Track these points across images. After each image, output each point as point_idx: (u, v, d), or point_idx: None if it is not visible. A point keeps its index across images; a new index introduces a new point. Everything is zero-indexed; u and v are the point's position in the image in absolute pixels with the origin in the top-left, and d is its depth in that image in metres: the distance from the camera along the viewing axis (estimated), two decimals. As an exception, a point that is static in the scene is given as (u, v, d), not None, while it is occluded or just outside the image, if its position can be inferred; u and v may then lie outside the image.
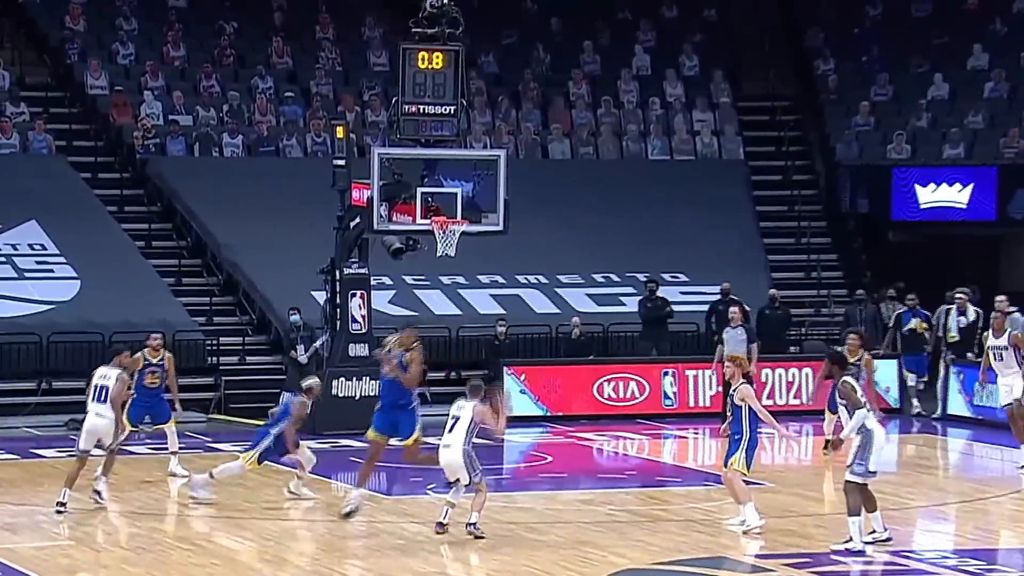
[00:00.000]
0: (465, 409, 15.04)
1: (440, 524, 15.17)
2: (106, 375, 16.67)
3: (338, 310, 22.81)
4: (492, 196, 21.84)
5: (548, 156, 30.65)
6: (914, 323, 24.69)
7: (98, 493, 16.81)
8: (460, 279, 27.35)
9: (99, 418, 16.50)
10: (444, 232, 21.39)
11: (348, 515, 15.83)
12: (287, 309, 24.86)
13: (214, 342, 25.58)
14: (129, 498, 17.43)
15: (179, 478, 18.17)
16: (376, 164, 21.56)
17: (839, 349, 17.86)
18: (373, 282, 23.45)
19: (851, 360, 18.19)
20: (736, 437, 15.19)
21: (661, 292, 26.19)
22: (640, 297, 26.23)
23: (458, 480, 15.06)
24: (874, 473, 14.23)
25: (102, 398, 16.54)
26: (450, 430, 15.04)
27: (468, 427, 14.95)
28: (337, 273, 22.78)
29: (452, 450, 14.97)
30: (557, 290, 27.63)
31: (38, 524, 15.96)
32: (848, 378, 14.34)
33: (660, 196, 29.64)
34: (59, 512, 16.14)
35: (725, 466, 15.35)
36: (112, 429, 16.60)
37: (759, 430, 15.27)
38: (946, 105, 31.51)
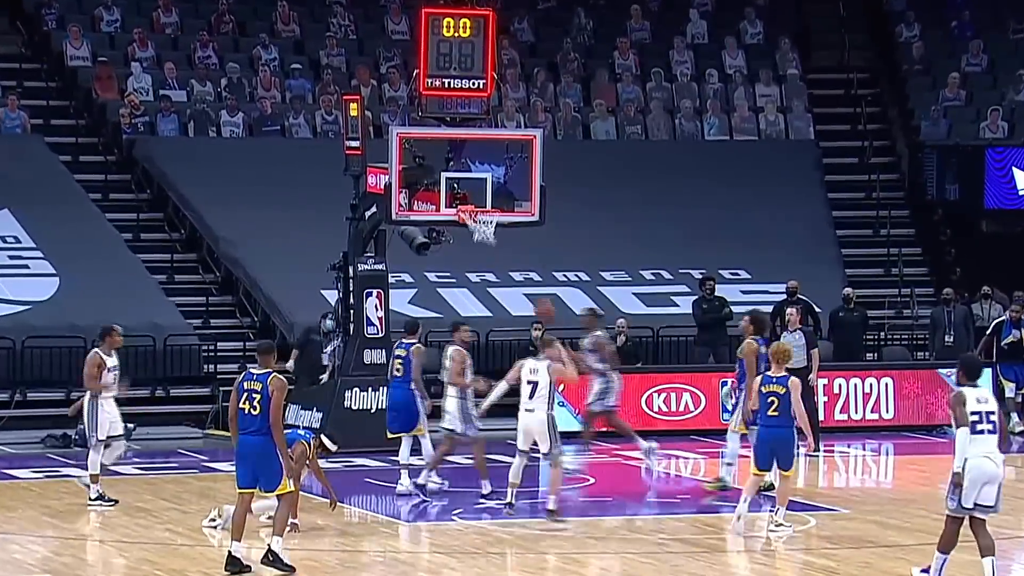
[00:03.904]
0: (541, 372, 17.08)
1: (510, 504, 17.20)
2: (444, 354, 18.57)
3: (352, 311, 22.92)
4: (526, 182, 21.91)
5: (590, 136, 30.79)
6: (1015, 335, 24.71)
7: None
8: (490, 276, 27.45)
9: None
10: (474, 222, 21.53)
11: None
12: (302, 311, 24.96)
13: (211, 347, 25.72)
14: (114, 524, 17.55)
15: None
16: (395, 146, 21.63)
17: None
18: (391, 279, 23.59)
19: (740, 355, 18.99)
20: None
21: (719, 291, 26.20)
22: (695, 297, 26.23)
23: (526, 452, 16.98)
24: (971, 508, 13.69)
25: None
26: (530, 396, 17.08)
27: (549, 390, 17.02)
28: (350, 270, 22.90)
29: (535, 415, 16.99)
30: (600, 289, 27.68)
31: (11, 555, 16.07)
32: (964, 389, 13.81)
33: (718, 182, 29.70)
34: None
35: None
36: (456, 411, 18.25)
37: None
38: (1049, 76, 31.58)
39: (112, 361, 18.15)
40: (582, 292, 27.34)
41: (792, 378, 16.64)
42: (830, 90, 32.52)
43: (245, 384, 14.65)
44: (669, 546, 16.34)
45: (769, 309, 25.65)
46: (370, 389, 22.53)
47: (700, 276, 26.62)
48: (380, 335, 22.84)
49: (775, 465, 16.74)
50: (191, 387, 25.13)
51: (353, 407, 22.48)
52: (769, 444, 16.57)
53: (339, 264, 23.12)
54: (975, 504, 13.72)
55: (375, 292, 22.82)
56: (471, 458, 20.95)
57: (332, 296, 23.95)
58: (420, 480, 19.11)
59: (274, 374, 14.59)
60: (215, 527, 16.60)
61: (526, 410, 17.16)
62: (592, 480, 19.37)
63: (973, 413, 13.67)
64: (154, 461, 18.64)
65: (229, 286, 27.45)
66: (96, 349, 18.19)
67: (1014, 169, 29.63)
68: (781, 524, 16.69)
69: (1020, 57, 31.98)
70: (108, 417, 18.15)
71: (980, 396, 13.80)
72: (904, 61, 32.48)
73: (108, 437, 18.15)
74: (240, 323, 27.02)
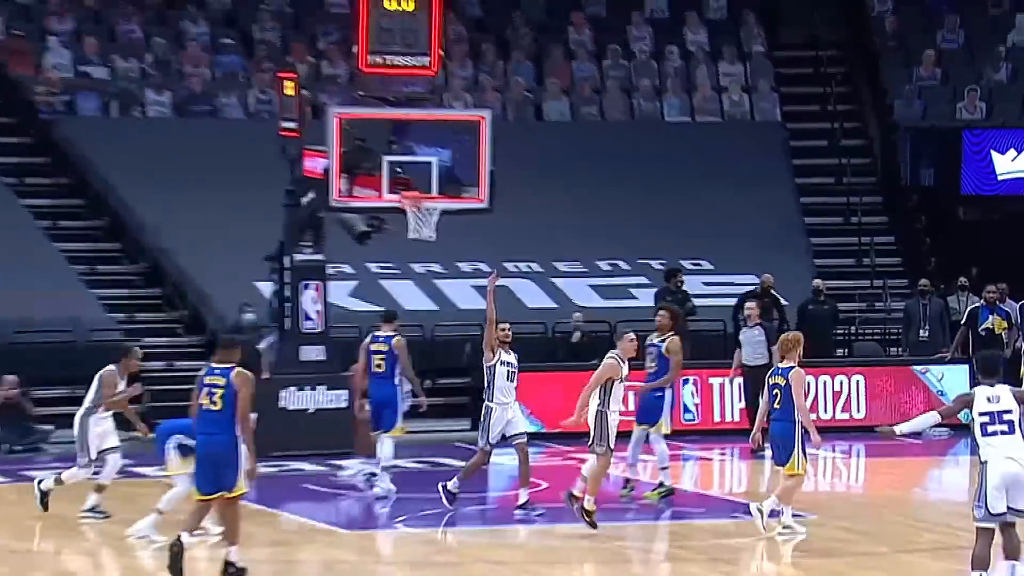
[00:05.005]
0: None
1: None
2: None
3: (287, 305, 22.92)
4: (474, 166, 21.92)
5: (543, 117, 30.86)
6: (991, 321, 24.75)
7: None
8: (436, 267, 27.47)
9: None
10: (418, 211, 21.57)
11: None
12: (235, 305, 24.97)
13: (136, 344, 25.57)
14: (32, 535, 17.48)
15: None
16: (334, 127, 21.64)
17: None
18: (331, 270, 23.59)
19: (655, 339, 18.84)
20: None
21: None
22: (657, 289, 26.20)
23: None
24: (999, 515, 13.28)
25: None
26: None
27: (599, 385, 16.68)
28: (286, 260, 22.90)
29: (590, 409, 16.81)
30: (554, 280, 27.73)
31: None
32: (976, 388, 13.45)
33: (678, 166, 29.85)
34: None
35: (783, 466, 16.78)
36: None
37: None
38: (1029, 54, 31.73)
39: (121, 385, 18.00)
40: (534, 284, 27.50)
41: (795, 370, 16.60)
42: (798, 68, 32.56)
43: (206, 379, 14.59)
44: (628, 555, 16.39)
45: (733, 302, 25.90)
46: (307, 388, 22.55)
47: (664, 268, 26.67)
48: (318, 330, 22.82)
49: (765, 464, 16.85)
50: (115, 386, 25.06)
51: (289, 407, 22.45)
52: (773, 438, 16.76)
53: (274, 254, 23.07)
54: (1010, 508, 13.35)
55: (313, 284, 22.82)
56: (422, 461, 21.01)
57: (267, 288, 23.91)
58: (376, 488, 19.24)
59: (238, 368, 14.53)
60: (142, 537, 16.56)
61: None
62: (545, 484, 19.37)
63: (983, 414, 13.35)
64: (73, 466, 18.52)
65: (156, 277, 27.36)
66: (113, 367, 18.04)
67: (992, 152, 29.74)
68: (790, 527, 16.69)
69: (999, 33, 32.12)
70: (99, 433, 18.02)
71: (993, 395, 13.45)
72: (877, 37, 32.54)
73: (105, 449, 18.05)
74: (168, 317, 26.93)
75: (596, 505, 16.74)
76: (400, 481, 19.66)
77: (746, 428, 22.89)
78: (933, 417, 13.68)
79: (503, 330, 18.01)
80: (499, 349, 17.91)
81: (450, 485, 17.95)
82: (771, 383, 16.73)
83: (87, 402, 18.01)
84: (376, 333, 19.65)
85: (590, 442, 16.84)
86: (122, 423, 18.35)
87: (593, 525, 16.70)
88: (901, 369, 25.36)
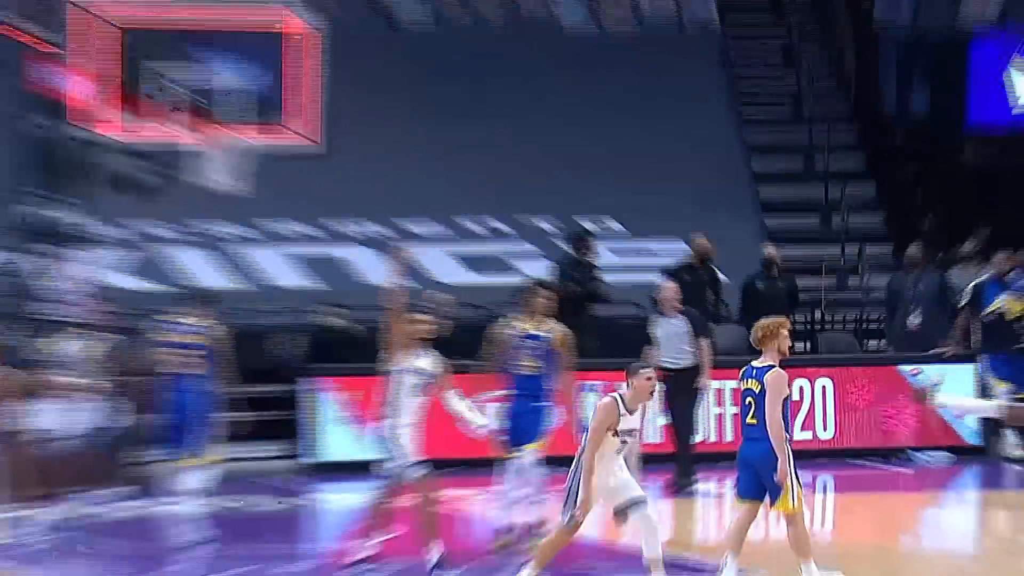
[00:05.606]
0: None
1: None
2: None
3: (20, 281, 22.64)
4: (298, 90, 22.18)
5: (394, 26, 31.23)
6: (1002, 300, 24.79)
7: None
8: (244, 231, 27.20)
9: None
10: (217, 151, 21.79)
11: None
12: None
13: None
14: None
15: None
16: (85, 27, 21.35)
17: None
18: (86, 233, 23.23)
19: (535, 329, 19.06)
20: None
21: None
22: (555, 260, 26.13)
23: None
24: None
25: None
26: None
27: (600, 442, 16.14)
28: (16, 217, 22.48)
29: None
30: (404, 247, 27.46)
31: None
32: None
33: (579, 90, 30.22)
34: None
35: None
36: None
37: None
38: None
39: None
40: (377, 252, 27.50)
41: (773, 371, 16.16)
42: (743, -42, 33.29)
43: None
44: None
45: (653, 278, 25.73)
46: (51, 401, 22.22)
47: (559, 229, 27.51)
48: (70, 318, 22.51)
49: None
50: None
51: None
52: (747, 462, 16.22)
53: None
54: None
55: (59, 251, 22.51)
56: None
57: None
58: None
59: None
60: None
61: None
62: (396, 533, 18.95)
63: None
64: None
65: None
66: None
67: (1011, 71, 30.16)
68: None
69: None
70: None
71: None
72: (851, -86, 32.99)
73: None
74: None
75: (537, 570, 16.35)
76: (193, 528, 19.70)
77: (669, 452, 22.80)
78: (993, 407, 13.62)
79: (420, 323, 17.64)
80: (410, 349, 17.68)
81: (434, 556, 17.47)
82: (743, 389, 16.30)
83: None
84: (186, 322, 20.06)
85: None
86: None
87: None
88: (883, 370, 25.55)
